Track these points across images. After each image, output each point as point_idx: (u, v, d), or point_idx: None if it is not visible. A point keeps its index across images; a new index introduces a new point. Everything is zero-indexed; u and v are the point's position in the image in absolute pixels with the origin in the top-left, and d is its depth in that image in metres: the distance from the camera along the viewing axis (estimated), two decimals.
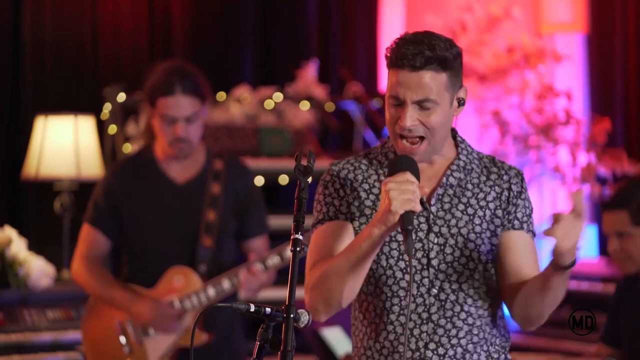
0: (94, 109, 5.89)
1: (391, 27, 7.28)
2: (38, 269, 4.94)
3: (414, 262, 2.68)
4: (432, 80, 2.60)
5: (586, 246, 6.60)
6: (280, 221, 5.66)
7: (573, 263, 2.53)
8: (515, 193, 2.73)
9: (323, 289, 2.63)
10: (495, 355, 2.75)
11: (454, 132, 2.78)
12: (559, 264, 2.52)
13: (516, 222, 2.73)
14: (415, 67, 2.59)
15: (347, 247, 2.62)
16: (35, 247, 5.19)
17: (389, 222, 2.51)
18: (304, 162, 2.54)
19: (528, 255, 2.72)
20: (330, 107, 6.55)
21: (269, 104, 6.33)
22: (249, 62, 6.94)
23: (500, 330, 2.78)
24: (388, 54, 2.64)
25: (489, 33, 6.74)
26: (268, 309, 2.38)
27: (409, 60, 2.59)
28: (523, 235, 2.73)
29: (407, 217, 2.48)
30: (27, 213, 6.16)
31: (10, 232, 5.14)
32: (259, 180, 6.18)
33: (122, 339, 4.08)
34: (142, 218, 4.11)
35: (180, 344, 4.09)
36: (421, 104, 2.61)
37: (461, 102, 2.68)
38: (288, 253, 4.09)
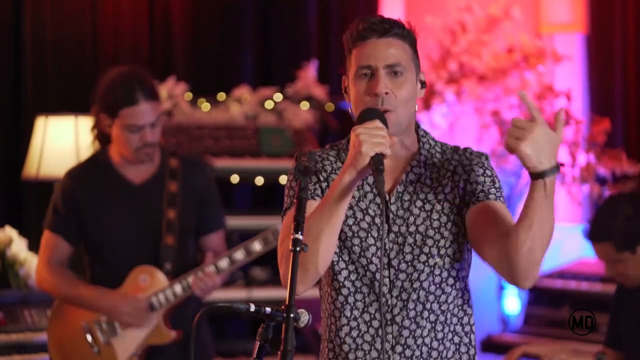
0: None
1: None
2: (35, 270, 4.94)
3: (376, 261, 2.67)
4: (400, 47, 2.65)
5: (586, 246, 6.60)
6: (279, 222, 5.66)
7: (551, 170, 2.48)
8: (475, 174, 2.70)
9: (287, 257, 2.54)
10: (465, 341, 2.74)
11: (416, 125, 2.79)
12: (530, 170, 2.48)
13: (481, 194, 2.68)
14: (383, 31, 2.64)
15: (318, 204, 2.60)
16: (35, 247, 5.18)
17: (360, 165, 2.50)
18: (304, 162, 2.55)
19: (502, 217, 2.63)
20: (330, 107, 6.55)
21: (269, 104, 6.33)
22: (249, 62, 6.94)
23: (468, 314, 2.76)
24: (351, 34, 2.68)
25: (489, 33, 6.74)
26: (268, 309, 2.38)
27: (377, 26, 2.65)
28: (496, 204, 2.66)
29: (377, 159, 2.49)
30: (27, 213, 6.16)
31: (10, 232, 5.15)
32: (259, 180, 6.19)
33: (89, 338, 4.08)
34: (103, 221, 4.10)
35: (149, 342, 4.09)
36: (393, 70, 2.64)
37: (423, 85, 2.72)
38: (255, 247, 4.13)
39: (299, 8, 7.09)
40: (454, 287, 2.71)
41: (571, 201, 6.78)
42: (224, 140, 6.14)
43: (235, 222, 4.94)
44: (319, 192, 2.72)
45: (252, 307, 2.39)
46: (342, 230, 2.67)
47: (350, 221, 2.70)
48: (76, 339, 4.11)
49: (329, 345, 2.77)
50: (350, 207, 2.70)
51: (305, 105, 6.38)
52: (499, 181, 2.74)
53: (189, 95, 6.24)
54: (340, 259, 2.71)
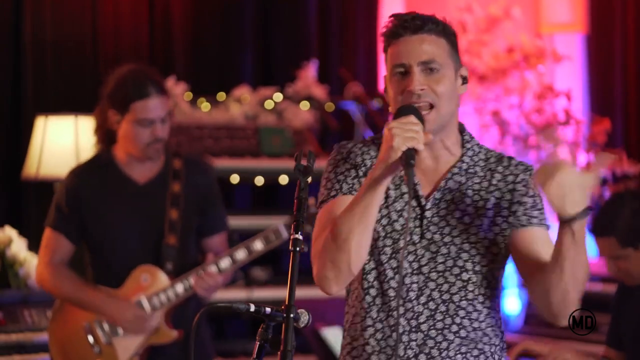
0: (94, 109, 5.88)
1: None
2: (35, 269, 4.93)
3: (406, 264, 2.60)
4: (434, 43, 2.58)
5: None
6: (280, 221, 5.66)
7: (579, 216, 2.41)
8: (520, 192, 2.63)
9: (331, 252, 2.52)
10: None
11: (461, 127, 2.70)
12: (560, 216, 2.41)
13: (524, 217, 2.61)
14: (416, 28, 2.58)
15: (350, 202, 2.53)
16: (35, 247, 5.17)
17: (391, 159, 2.44)
18: (304, 162, 2.54)
19: (543, 248, 2.57)
20: (330, 107, 6.55)
21: (269, 104, 6.33)
22: (249, 62, 6.94)
23: (497, 335, 2.69)
24: (385, 31, 2.63)
25: (489, 33, 6.74)
26: (268, 309, 2.38)
27: (410, 24, 2.58)
28: (539, 231, 2.61)
29: (409, 154, 2.43)
30: (27, 213, 6.16)
31: (10, 232, 5.15)
32: (259, 180, 6.19)
33: (90, 339, 4.08)
34: (106, 219, 4.10)
35: (151, 342, 4.09)
36: (427, 66, 2.57)
37: (464, 80, 2.63)
38: (256, 246, 4.12)
39: (299, 8, 7.09)
40: (484, 305, 2.63)
41: None
42: (224, 140, 6.14)
43: (235, 222, 4.93)
44: (357, 186, 2.63)
45: (252, 307, 2.38)
46: (375, 230, 2.58)
47: (384, 221, 2.62)
48: (77, 339, 4.11)
49: (353, 343, 2.69)
50: (386, 207, 2.62)
51: (305, 105, 6.38)
52: (541, 200, 2.64)
53: (189, 95, 6.25)
54: (372, 259, 2.63)
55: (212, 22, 6.89)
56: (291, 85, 6.47)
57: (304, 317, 2.39)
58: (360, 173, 2.65)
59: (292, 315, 2.36)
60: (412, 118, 2.47)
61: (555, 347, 3.98)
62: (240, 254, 4.11)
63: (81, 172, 4.17)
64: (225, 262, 4.09)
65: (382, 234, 2.62)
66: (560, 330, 5.90)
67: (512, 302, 6.54)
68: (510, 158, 2.70)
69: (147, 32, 6.65)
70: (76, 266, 4.21)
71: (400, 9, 7.37)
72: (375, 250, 2.62)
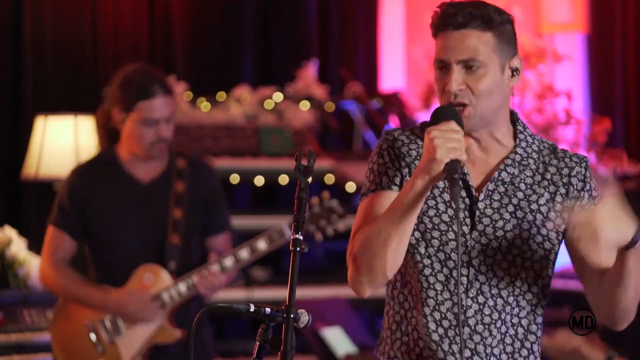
0: (94, 109, 5.87)
1: (391, 27, 7.28)
2: (38, 269, 4.93)
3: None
4: (476, 40, 2.48)
5: None
6: (280, 221, 5.66)
7: (637, 236, 2.37)
8: (576, 187, 2.56)
9: (366, 256, 2.47)
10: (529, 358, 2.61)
11: (514, 117, 2.62)
12: (620, 247, 2.38)
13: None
14: (457, 24, 2.48)
15: (388, 207, 2.47)
16: (35, 247, 5.18)
17: (434, 172, 2.36)
18: (304, 162, 2.52)
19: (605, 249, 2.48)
20: (330, 107, 6.55)
21: (269, 104, 6.33)
22: (249, 62, 6.94)
23: (538, 333, 2.63)
24: (432, 21, 2.53)
25: None
26: (268, 309, 2.38)
27: (452, 19, 2.48)
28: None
29: (452, 166, 2.34)
30: (27, 213, 6.16)
31: (10, 232, 5.14)
32: (259, 180, 6.19)
33: (93, 337, 4.07)
34: (109, 218, 4.10)
35: (154, 342, 4.09)
36: (467, 64, 2.48)
37: (516, 72, 2.54)
38: (260, 245, 4.12)
39: (299, 8, 7.09)
40: (531, 303, 2.58)
41: None
42: (224, 140, 6.14)
43: (235, 222, 4.92)
44: (398, 179, 2.56)
45: (252, 307, 2.38)
46: (422, 222, 2.52)
47: (432, 212, 2.54)
48: (80, 338, 4.11)
49: (402, 338, 2.60)
50: (434, 198, 2.54)
51: (305, 105, 6.38)
52: (596, 191, 2.58)
53: (189, 95, 6.25)
54: (417, 252, 2.55)
55: (212, 22, 6.89)
56: (291, 85, 6.47)
57: (304, 317, 2.39)
58: (403, 164, 2.58)
59: (292, 315, 2.36)
60: (454, 124, 2.39)
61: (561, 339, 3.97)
62: (244, 254, 4.12)
63: (84, 171, 4.17)
64: (228, 262, 4.09)
65: (429, 225, 2.54)
66: (560, 330, 5.90)
67: None
68: (565, 151, 2.62)
69: (147, 32, 6.65)
70: (79, 265, 4.20)
71: (400, 9, 7.38)
72: (421, 242, 2.54)
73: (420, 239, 2.53)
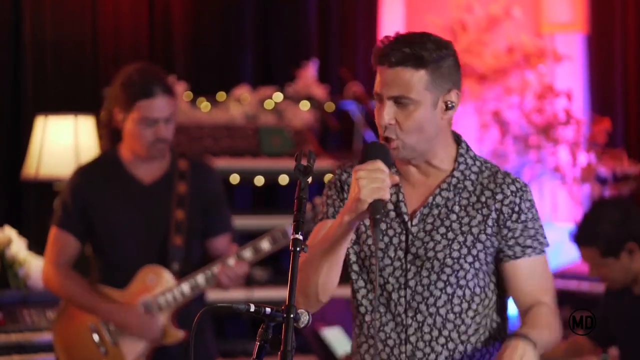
0: (94, 109, 5.89)
1: (391, 27, 7.28)
2: (38, 269, 4.93)
3: (393, 280, 2.67)
4: (409, 78, 2.57)
5: None
6: (280, 221, 5.66)
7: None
8: (506, 216, 2.65)
9: (301, 281, 2.59)
10: None
11: (458, 140, 2.72)
12: None
13: (517, 248, 2.66)
14: (392, 63, 2.57)
15: (320, 238, 2.63)
16: (35, 247, 5.19)
17: (358, 210, 2.48)
18: (304, 162, 2.53)
19: (535, 279, 2.66)
20: (330, 107, 6.55)
21: (269, 104, 6.33)
22: (249, 62, 6.94)
23: (490, 352, 2.71)
24: (372, 53, 2.64)
25: (489, 33, 6.73)
26: (268, 309, 2.38)
27: (387, 57, 2.58)
28: (527, 262, 2.66)
29: (375, 206, 2.45)
30: (27, 213, 6.16)
31: (10, 232, 5.15)
32: (259, 180, 6.19)
33: (96, 338, 4.07)
34: (112, 219, 4.10)
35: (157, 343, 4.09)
36: (398, 101, 2.58)
37: (449, 105, 2.62)
38: (263, 245, 4.13)
39: (299, 8, 7.09)
40: (474, 321, 2.67)
41: (572, 201, 6.78)
42: (224, 140, 6.14)
43: (235, 222, 4.92)
44: (341, 209, 2.66)
45: (252, 307, 2.38)
46: (362, 250, 2.69)
47: (370, 241, 2.69)
48: (83, 339, 4.10)
49: (355, 357, 2.79)
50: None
51: (305, 105, 6.38)
52: (534, 220, 2.68)
53: (189, 95, 6.24)
54: (360, 277, 2.71)
55: (212, 22, 6.89)
56: (291, 85, 6.46)
57: (304, 317, 2.39)
58: (347, 195, 2.70)
59: (292, 315, 2.36)
60: (380, 164, 2.49)
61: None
62: (247, 253, 4.11)
63: (87, 171, 4.17)
64: (231, 262, 4.09)
65: (368, 252, 2.69)
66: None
67: (512, 304, 6.54)
68: (506, 175, 2.70)
69: (147, 32, 6.65)
70: (81, 266, 4.20)
71: (400, 9, 7.37)
72: (363, 269, 2.70)
73: (362, 266, 2.70)
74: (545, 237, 2.70)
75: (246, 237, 4.35)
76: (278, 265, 6.18)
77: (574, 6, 7.40)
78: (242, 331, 6.46)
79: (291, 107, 6.32)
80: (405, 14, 7.38)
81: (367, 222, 2.66)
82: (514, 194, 2.67)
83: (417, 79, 2.57)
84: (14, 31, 6.25)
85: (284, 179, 6.20)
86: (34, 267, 5.02)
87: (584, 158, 6.64)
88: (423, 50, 2.57)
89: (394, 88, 2.58)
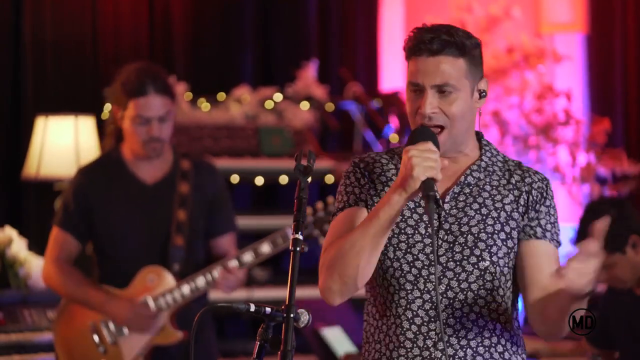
0: (94, 109, 5.89)
1: (391, 27, 7.28)
2: (38, 269, 4.93)
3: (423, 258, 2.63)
4: (450, 65, 2.58)
5: None
6: (280, 221, 5.67)
7: (593, 290, 2.50)
8: (535, 198, 2.67)
9: (339, 266, 2.56)
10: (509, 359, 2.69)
11: (479, 135, 2.74)
12: (576, 295, 2.49)
13: (539, 229, 2.67)
14: (433, 51, 2.57)
15: (363, 220, 2.57)
16: (35, 247, 5.19)
17: (410, 189, 2.46)
18: (304, 162, 2.54)
19: (550, 266, 2.64)
20: (330, 107, 6.55)
21: (269, 104, 6.33)
22: (249, 62, 6.94)
23: (515, 333, 2.71)
24: (405, 44, 2.63)
25: (489, 33, 6.74)
26: (268, 309, 2.38)
27: (426, 45, 2.57)
28: (545, 245, 2.66)
29: (428, 184, 2.45)
30: (27, 213, 6.16)
31: (10, 232, 5.15)
32: (259, 180, 6.19)
33: (96, 337, 4.08)
34: (113, 219, 4.09)
35: (155, 342, 4.09)
36: (441, 89, 2.58)
37: (482, 94, 2.65)
38: (263, 249, 4.12)
39: (299, 8, 7.09)
40: (503, 299, 2.65)
41: (571, 201, 6.78)
42: (224, 140, 6.14)
43: None
44: (364, 196, 2.68)
45: (252, 307, 2.38)
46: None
47: (398, 218, 2.64)
48: (82, 338, 4.10)
49: (376, 346, 2.70)
50: None
51: (305, 105, 6.38)
52: (555, 212, 2.71)
53: (189, 95, 6.25)
54: (386, 257, 2.64)
55: (212, 22, 6.90)
56: (291, 85, 6.47)
57: (304, 317, 2.39)
58: (368, 181, 2.69)
59: (292, 315, 2.36)
60: (431, 145, 2.50)
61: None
62: (247, 257, 4.11)
63: (89, 171, 4.17)
64: (231, 265, 4.09)
65: (396, 230, 2.64)
66: None
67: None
68: (528, 167, 2.75)
69: (147, 32, 6.66)
70: (82, 266, 4.21)
71: (400, 9, 7.38)
72: (389, 248, 2.64)
73: (388, 244, 2.64)
74: (560, 235, 2.73)
75: (246, 237, 4.36)
76: (278, 266, 6.19)
77: (573, 6, 7.40)
78: (242, 331, 6.46)
79: (291, 107, 6.32)
80: (405, 14, 7.38)
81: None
82: (541, 181, 2.71)
83: (458, 67, 2.59)
84: (14, 31, 6.26)
85: (284, 179, 6.20)
86: (35, 267, 5.02)
87: (583, 158, 6.64)
88: (462, 38, 2.59)
89: (436, 76, 2.58)
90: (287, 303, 2.38)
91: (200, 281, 4.07)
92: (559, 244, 2.72)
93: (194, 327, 2.46)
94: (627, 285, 3.95)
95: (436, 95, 2.59)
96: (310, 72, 6.49)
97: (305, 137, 6.28)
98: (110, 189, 4.12)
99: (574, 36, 7.45)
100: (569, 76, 7.32)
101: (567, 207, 7.09)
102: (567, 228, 6.66)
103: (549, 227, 2.69)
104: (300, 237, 2.42)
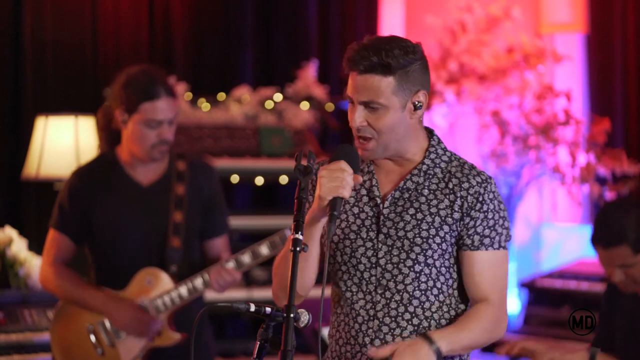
0: (94, 109, 5.89)
1: (391, 27, 7.28)
2: (38, 269, 4.93)
3: (364, 261, 2.81)
4: (377, 84, 2.74)
5: (586, 247, 6.60)
6: (280, 221, 5.67)
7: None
8: (470, 204, 2.79)
9: (279, 275, 2.78)
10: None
11: (431, 134, 2.89)
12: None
13: (476, 237, 2.80)
14: (360, 70, 2.74)
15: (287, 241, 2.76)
16: (35, 247, 5.19)
17: (320, 206, 2.65)
18: (304, 162, 2.56)
19: (483, 277, 2.80)
20: (330, 107, 6.55)
21: (269, 104, 6.33)
22: (249, 63, 6.95)
23: None
24: (343, 59, 2.78)
25: (489, 33, 6.74)
26: (268, 309, 2.38)
27: (356, 64, 2.74)
28: (479, 255, 2.80)
29: (334, 203, 2.61)
30: (28, 213, 6.16)
31: (10, 232, 5.15)
32: (259, 180, 6.19)
33: (93, 339, 4.07)
34: (110, 221, 4.09)
35: (154, 344, 4.09)
36: (368, 105, 2.75)
37: (417, 106, 2.78)
38: (262, 250, 4.14)
39: (299, 8, 7.09)
40: (437, 298, 2.81)
41: (571, 201, 6.78)
42: (224, 140, 6.14)
43: (235, 222, 4.94)
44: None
45: (252, 307, 2.39)
46: (335, 233, 2.84)
47: (343, 224, 2.84)
48: (80, 340, 4.10)
49: (334, 338, 2.89)
50: (345, 212, 2.85)
51: (305, 105, 6.38)
52: (496, 214, 2.81)
53: (189, 95, 6.25)
54: (335, 260, 2.84)
55: (212, 22, 6.90)
56: (291, 85, 6.47)
57: (304, 317, 2.40)
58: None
59: (292, 315, 2.37)
60: (342, 164, 2.68)
61: (552, 347, 3.98)
62: (246, 258, 4.12)
63: (85, 173, 4.17)
64: (230, 267, 4.09)
65: (342, 235, 2.83)
66: (560, 330, 5.91)
67: (512, 302, 6.54)
68: (472, 167, 2.86)
69: (147, 32, 6.66)
70: (79, 268, 4.20)
71: (400, 9, 7.38)
72: (337, 252, 2.82)
73: (335, 249, 2.83)
74: (506, 234, 2.84)
75: (246, 237, 4.36)
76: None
77: (573, 6, 7.40)
78: (242, 331, 6.47)
79: (291, 107, 6.32)
80: (405, 14, 7.38)
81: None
82: (479, 185, 2.81)
83: (385, 85, 2.74)
84: (14, 31, 6.26)
85: (284, 179, 6.20)
86: (35, 267, 5.02)
87: (583, 158, 6.64)
88: (390, 57, 2.73)
89: (363, 93, 2.75)
90: (287, 303, 2.38)
91: (198, 282, 4.07)
92: (501, 246, 2.83)
93: (193, 328, 2.46)
94: (638, 287, 3.92)
95: (364, 110, 2.77)
96: (310, 72, 6.49)
97: (305, 137, 6.28)
98: (106, 190, 4.11)
99: (573, 36, 7.45)
100: (569, 76, 7.32)
101: (567, 207, 7.09)
102: (568, 228, 6.67)
103: (486, 232, 2.81)
104: (300, 237, 2.44)
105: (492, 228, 2.80)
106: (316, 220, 2.69)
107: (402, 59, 2.73)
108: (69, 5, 6.39)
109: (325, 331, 4.84)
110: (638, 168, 6.57)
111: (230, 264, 4.07)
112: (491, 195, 2.80)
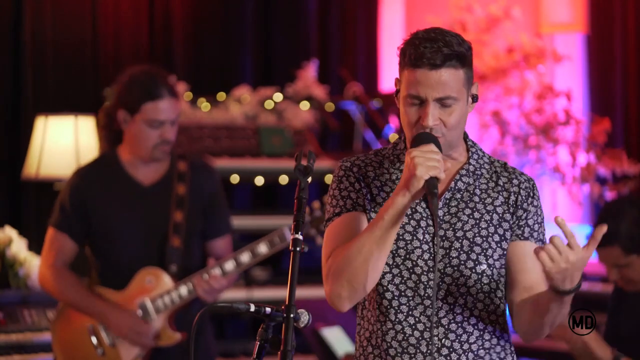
0: (94, 109, 5.89)
1: (391, 27, 7.28)
2: (38, 269, 4.94)
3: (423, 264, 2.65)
4: (451, 77, 2.58)
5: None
6: (280, 221, 5.66)
7: (572, 290, 2.51)
8: (524, 197, 2.70)
9: (347, 272, 2.56)
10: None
11: (465, 135, 2.76)
12: (553, 287, 2.51)
13: (526, 229, 2.69)
14: (436, 65, 2.57)
15: (368, 225, 2.58)
16: (35, 247, 5.19)
17: (414, 188, 2.48)
18: (304, 162, 2.54)
19: (534, 266, 2.64)
20: (330, 107, 6.55)
21: (269, 104, 6.33)
22: (249, 62, 6.95)
23: (508, 332, 2.74)
24: (403, 55, 2.61)
25: (489, 33, 6.74)
26: (268, 309, 2.38)
27: (429, 59, 2.56)
28: (531, 246, 2.67)
29: (431, 183, 2.48)
30: (27, 213, 6.16)
31: (10, 232, 5.15)
32: (259, 180, 6.19)
33: (94, 339, 4.07)
34: (111, 220, 4.09)
35: (154, 344, 4.09)
36: (442, 102, 2.58)
37: (474, 99, 2.67)
38: (261, 249, 4.13)
39: (299, 8, 7.09)
40: (501, 301, 2.68)
41: (571, 201, 6.78)
42: (224, 140, 6.14)
43: (235, 222, 4.94)
44: (361, 200, 2.68)
45: (252, 307, 2.39)
46: None
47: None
48: (81, 341, 4.10)
49: (374, 352, 2.70)
50: None
51: (305, 105, 6.38)
52: (542, 213, 2.74)
53: (189, 95, 6.25)
54: (385, 263, 2.64)
55: (212, 22, 6.90)
56: (291, 85, 6.47)
57: (304, 317, 2.39)
58: (363, 185, 2.69)
59: (292, 315, 2.37)
60: (433, 147, 2.53)
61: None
62: (245, 257, 4.11)
63: (85, 173, 4.17)
64: (229, 265, 4.09)
65: (395, 236, 2.62)
66: (560, 330, 5.89)
67: None
68: (514, 168, 2.78)
69: (147, 33, 6.66)
70: (79, 267, 4.20)
71: (400, 9, 7.38)
72: (389, 254, 2.64)
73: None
74: (545, 235, 2.74)
75: (246, 237, 4.36)
76: (278, 265, 6.19)
77: (573, 6, 7.40)
78: (242, 331, 6.46)
79: (291, 107, 6.32)
80: (405, 14, 7.38)
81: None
82: (527, 182, 2.73)
83: (459, 78, 2.60)
84: (14, 31, 6.26)
85: (284, 179, 6.20)
86: (35, 267, 5.02)
87: (583, 158, 6.64)
88: (459, 47, 2.61)
89: (438, 89, 2.57)
90: (287, 303, 2.38)
91: (188, 288, 4.07)
92: (543, 244, 2.72)
93: (193, 328, 2.46)
94: (636, 287, 3.93)
95: (437, 106, 2.59)
96: (310, 72, 6.49)
97: (305, 137, 6.28)
98: (107, 190, 4.11)
99: (574, 36, 7.45)
100: (569, 76, 7.32)
101: (567, 207, 7.09)
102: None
103: (536, 227, 2.71)
104: (300, 237, 2.43)
105: (540, 224, 2.71)
106: (404, 206, 2.50)
107: (464, 49, 2.62)
108: (69, 6, 6.39)
109: (325, 331, 4.83)
110: (638, 168, 6.56)
111: (229, 265, 4.07)
112: (538, 194, 2.73)
